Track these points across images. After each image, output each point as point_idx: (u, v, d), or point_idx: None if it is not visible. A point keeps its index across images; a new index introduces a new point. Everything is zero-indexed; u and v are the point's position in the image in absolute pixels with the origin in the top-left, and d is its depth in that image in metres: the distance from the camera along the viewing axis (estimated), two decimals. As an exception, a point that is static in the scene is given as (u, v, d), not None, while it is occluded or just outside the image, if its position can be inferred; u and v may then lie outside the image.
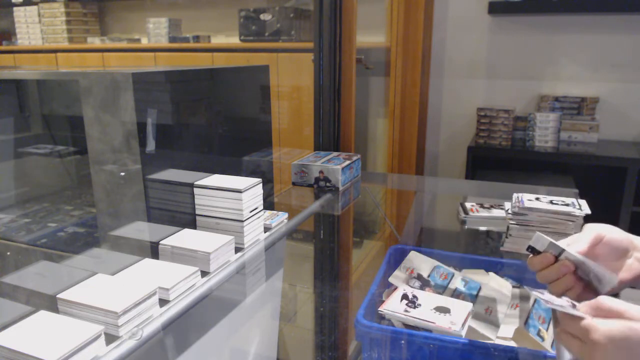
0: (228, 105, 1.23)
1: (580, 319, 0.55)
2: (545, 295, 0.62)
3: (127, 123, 0.91)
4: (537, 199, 1.13)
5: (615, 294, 0.65)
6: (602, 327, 0.53)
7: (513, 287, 0.95)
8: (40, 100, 1.42)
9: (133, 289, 0.73)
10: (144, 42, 3.50)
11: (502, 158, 2.61)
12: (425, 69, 2.66)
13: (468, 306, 0.83)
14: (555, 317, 0.61)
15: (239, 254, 0.96)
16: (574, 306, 0.58)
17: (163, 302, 0.77)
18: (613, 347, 0.51)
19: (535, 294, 0.62)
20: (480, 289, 0.93)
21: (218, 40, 3.37)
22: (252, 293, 0.96)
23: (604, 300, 0.55)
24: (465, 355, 0.74)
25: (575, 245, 0.67)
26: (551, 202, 1.11)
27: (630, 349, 0.51)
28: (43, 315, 0.66)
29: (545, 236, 0.68)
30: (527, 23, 2.58)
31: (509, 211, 1.14)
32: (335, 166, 1.47)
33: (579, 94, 2.52)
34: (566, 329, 0.57)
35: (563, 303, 0.58)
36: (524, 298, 0.92)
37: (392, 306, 0.82)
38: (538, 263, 0.69)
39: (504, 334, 0.84)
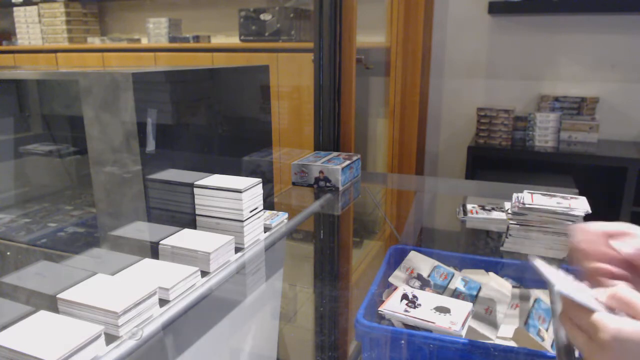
0: (228, 105, 1.22)
1: (590, 311, 0.48)
2: (556, 274, 0.53)
3: (127, 123, 0.91)
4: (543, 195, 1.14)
5: None
6: (611, 326, 0.46)
7: (513, 287, 0.95)
8: (40, 100, 1.42)
9: (133, 289, 0.73)
10: (144, 42, 3.50)
11: (502, 158, 2.61)
12: (425, 69, 2.66)
13: (468, 306, 0.82)
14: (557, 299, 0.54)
15: (239, 254, 0.96)
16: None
17: (163, 302, 0.77)
18: (621, 349, 0.46)
19: (543, 270, 0.53)
20: (480, 289, 0.93)
21: (218, 40, 3.37)
22: (252, 293, 0.96)
23: (622, 291, 0.48)
24: (465, 356, 0.74)
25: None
26: (557, 202, 1.11)
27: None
28: (43, 315, 0.66)
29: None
30: (527, 23, 2.58)
31: (509, 211, 1.15)
32: (335, 166, 1.47)
33: (579, 94, 2.52)
34: (573, 319, 0.50)
35: (580, 287, 0.51)
36: (524, 298, 0.92)
37: (392, 306, 0.82)
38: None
39: (504, 334, 0.84)
